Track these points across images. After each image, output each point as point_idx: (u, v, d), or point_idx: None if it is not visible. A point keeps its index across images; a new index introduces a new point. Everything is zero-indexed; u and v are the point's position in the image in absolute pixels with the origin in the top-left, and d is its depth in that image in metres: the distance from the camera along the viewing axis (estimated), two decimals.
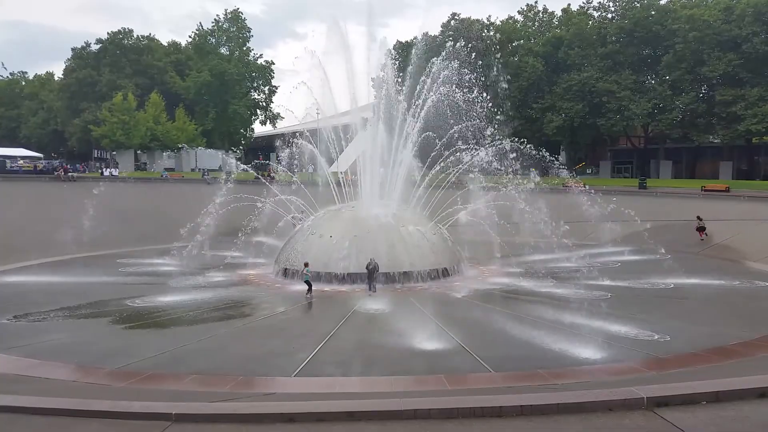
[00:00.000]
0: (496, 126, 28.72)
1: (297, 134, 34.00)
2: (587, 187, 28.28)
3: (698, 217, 37.01)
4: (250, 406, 10.36)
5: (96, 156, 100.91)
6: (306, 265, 23.49)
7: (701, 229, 36.71)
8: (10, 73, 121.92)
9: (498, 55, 27.75)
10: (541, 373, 13.45)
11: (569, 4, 77.89)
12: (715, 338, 16.37)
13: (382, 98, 30.82)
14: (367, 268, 23.56)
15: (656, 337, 16.57)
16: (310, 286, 23.32)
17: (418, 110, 29.48)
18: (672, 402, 8.94)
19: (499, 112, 27.92)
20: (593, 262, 31.50)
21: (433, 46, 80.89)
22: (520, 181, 28.10)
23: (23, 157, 77.33)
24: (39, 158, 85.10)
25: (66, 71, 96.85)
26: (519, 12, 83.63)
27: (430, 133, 29.37)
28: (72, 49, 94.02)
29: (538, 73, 69.26)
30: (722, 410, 8.70)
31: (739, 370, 12.72)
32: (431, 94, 29.26)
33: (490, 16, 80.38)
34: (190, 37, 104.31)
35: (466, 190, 31.31)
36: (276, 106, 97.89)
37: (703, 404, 8.93)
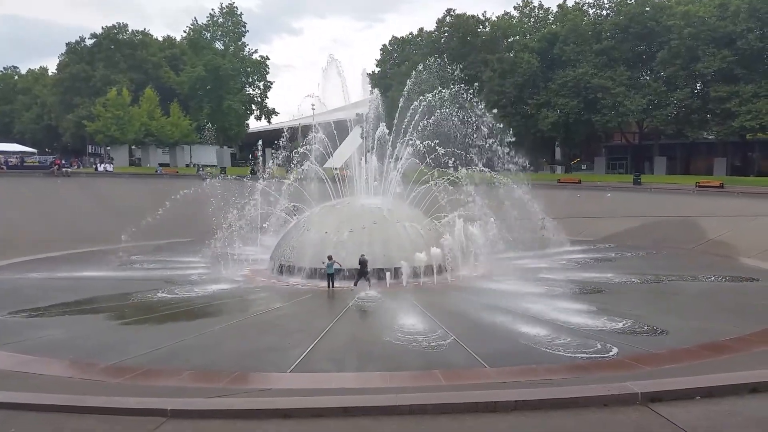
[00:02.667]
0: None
1: (285, 131, 34.01)
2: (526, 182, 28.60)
3: (543, 222, 36.90)
4: (246, 401, 10.37)
5: (90, 151, 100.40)
6: (329, 258, 23.55)
7: (543, 228, 36.80)
8: (4, 68, 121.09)
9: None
10: (536, 369, 13.50)
11: (564, 0, 77.64)
12: (708, 333, 16.47)
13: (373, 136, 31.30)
14: (359, 263, 23.62)
15: (649, 332, 16.68)
16: (331, 279, 23.35)
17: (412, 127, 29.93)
18: (666, 397, 8.99)
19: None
20: (586, 257, 31.74)
21: (428, 41, 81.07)
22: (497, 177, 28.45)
23: (15, 153, 76.44)
24: (32, 153, 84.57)
25: (60, 66, 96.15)
26: (515, 8, 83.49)
27: (421, 148, 29.62)
28: (66, 44, 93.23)
29: (534, 69, 69.23)
30: (716, 405, 8.76)
31: (733, 365, 12.80)
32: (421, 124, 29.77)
33: (485, 11, 79.95)
34: (184, 31, 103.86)
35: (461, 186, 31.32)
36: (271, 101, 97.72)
37: (697, 399, 8.98)
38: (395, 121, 31.93)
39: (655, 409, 8.62)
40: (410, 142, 29.36)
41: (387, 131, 30.72)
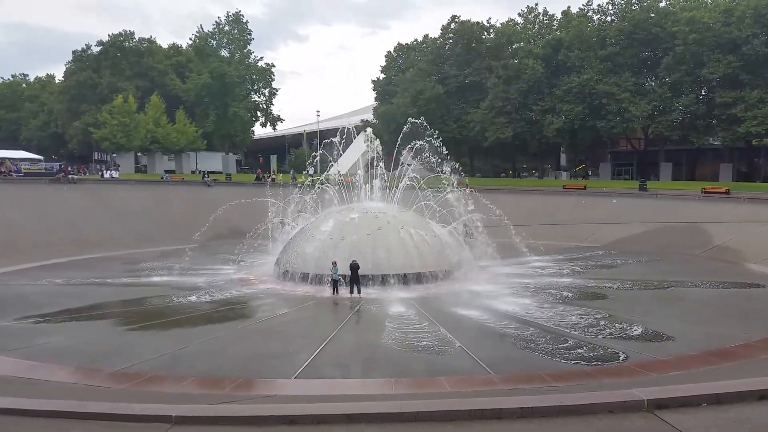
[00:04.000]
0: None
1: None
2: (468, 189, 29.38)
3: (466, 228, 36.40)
4: (251, 408, 10.36)
5: (96, 158, 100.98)
6: (334, 264, 23.48)
7: (469, 234, 36.51)
8: (11, 75, 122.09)
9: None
10: (541, 375, 13.42)
11: (569, 7, 77.80)
12: (714, 340, 16.37)
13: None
14: (350, 268, 23.53)
15: (655, 338, 16.58)
16: (336, 285, 23.31)
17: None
18: (672, 404, 8.93)
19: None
20: (590, 264, 31.63)
21: (433, 48, 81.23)
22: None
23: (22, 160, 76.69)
24: (39, 160, 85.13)
25: (66, 73, 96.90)
26: (519, 14, 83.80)
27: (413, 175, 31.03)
28: (73, 52, 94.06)
29: (538, 75, 69.26)
30: (723, 412, 8.68)
31: (740, 372, 12.70)
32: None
33: (490, 18, 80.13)
34: (190, 39, 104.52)
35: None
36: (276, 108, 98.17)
37: (704, 406, 8.92)
38: (403, 129, 32.44)
39: (661, 416, 8.56)
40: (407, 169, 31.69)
41: (386, 180, 32.61)
